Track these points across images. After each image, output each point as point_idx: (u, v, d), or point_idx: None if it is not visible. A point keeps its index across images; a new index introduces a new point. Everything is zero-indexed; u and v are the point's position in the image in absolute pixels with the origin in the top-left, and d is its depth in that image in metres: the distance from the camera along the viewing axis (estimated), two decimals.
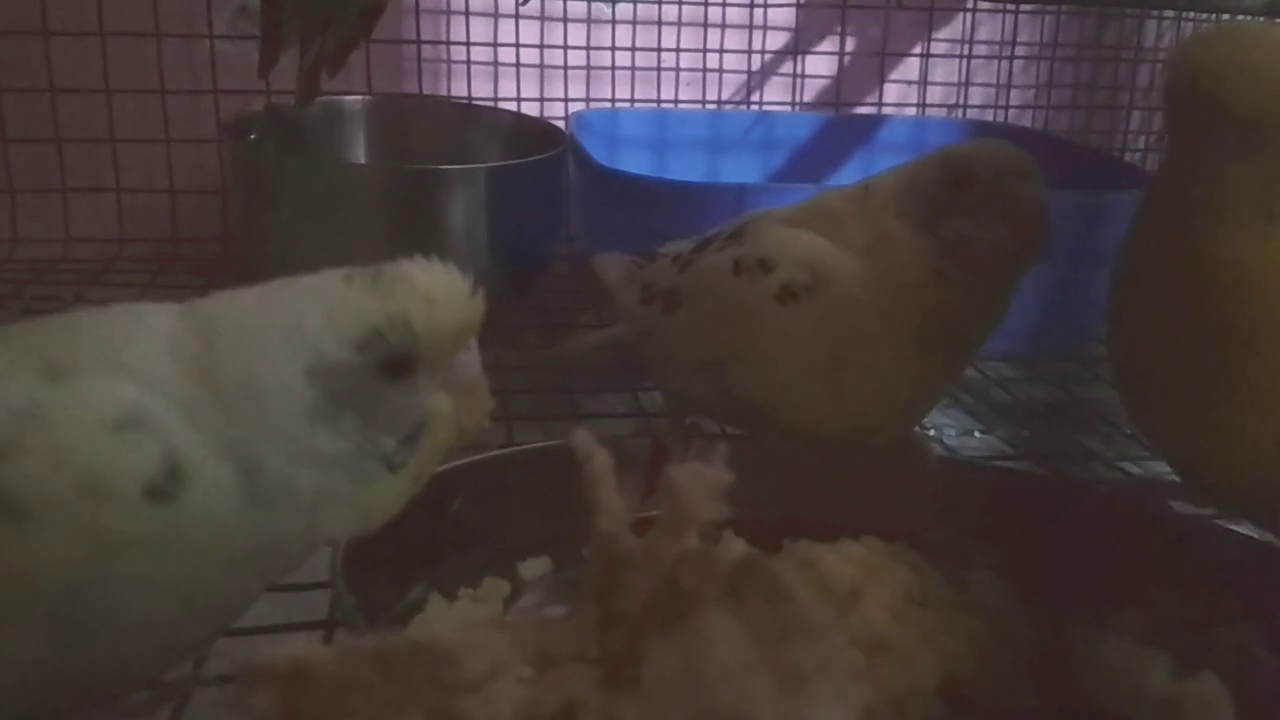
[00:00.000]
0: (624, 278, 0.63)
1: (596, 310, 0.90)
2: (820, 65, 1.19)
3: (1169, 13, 1.20)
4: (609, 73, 1.12)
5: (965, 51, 1.20)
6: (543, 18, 1.09)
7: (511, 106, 1.08)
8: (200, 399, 0.32)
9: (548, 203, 0.90)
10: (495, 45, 1.09)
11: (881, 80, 1.20)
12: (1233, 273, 0.44)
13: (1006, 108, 1.22)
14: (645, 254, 0.63)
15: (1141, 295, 0.49)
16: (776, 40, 1.17)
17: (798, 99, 1.18)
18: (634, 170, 0.94)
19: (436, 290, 0.35)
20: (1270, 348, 0.44)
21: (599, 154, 0.90)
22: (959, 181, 0.49)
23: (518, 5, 1.06)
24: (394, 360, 0.34)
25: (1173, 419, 0.49)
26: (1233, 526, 0.53)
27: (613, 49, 1.12)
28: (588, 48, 1.11)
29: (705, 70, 1.15)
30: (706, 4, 1.13)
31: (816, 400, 0.51)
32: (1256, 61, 0.42)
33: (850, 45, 1.18)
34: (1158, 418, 0.51)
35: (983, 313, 0.51)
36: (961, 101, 1.22)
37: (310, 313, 0.34)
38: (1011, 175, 0.48)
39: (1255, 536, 0.52)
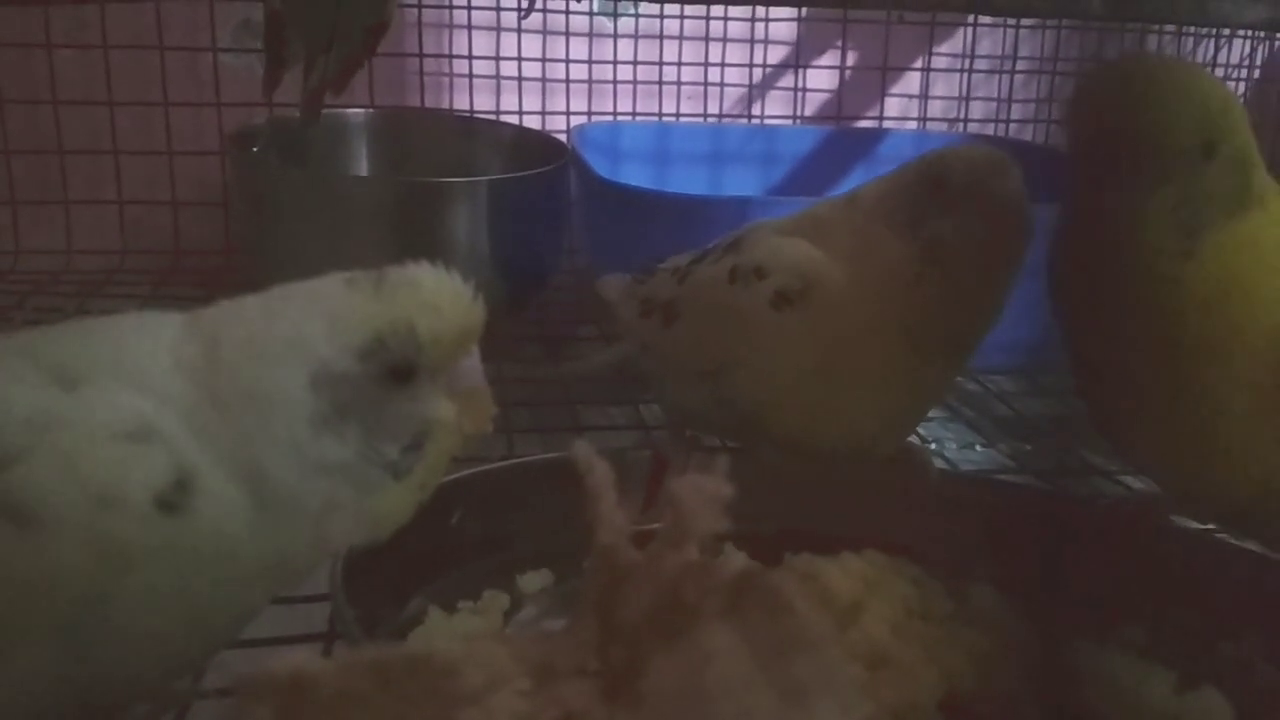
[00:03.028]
0: (624, 294, 0.63)
1: (599, 324, 0.90)
2: (821, 79, 1.19)
3: (1169, 28, 1.20)
4: (610, 86, 1.13)
5: (966, 66, 1.20)
6: (545, 31, 1.10)
7: (513, 120, 1.08)
8: (205, 409, 0.32)
9: (549, 216, 0.90)
10: (497, 59, 1.10)
11: (882, 94, 1.20)
12: (1168, 294, 0.44)
13: (1008, 122, 1.22)
14: (645, 269, 0.63)
15: (1085, 318, 0.49)
16: (777, 54, 1.17)
17: (799, 113, 1.19)
18: (635, 183, 0.94)
19: (439, 296, 0.35)
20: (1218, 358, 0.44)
21: (600, 167, 0.90)
22: (935, 182, 0.49)
23: (520, 19, 1.06)
24: (397, 367, 0.34)
25: (1135, 439, 0.49)
26: (1234, 541, 0.53)
27: (614, 63, 1.12)
28: (589, 61, 1.12)
29: (706, 84, 1.15)
30: (708, 18, 1.13)
31: (811, 406, 0.51)
32: (1176, 92, 0.43)
33: (851, 59, 1.19)
34: (1124, 439, 0.51)
35: (970, 315, 0.50)
36: (962, 116, 1.22)
37: (312, 320, 0.33)
38: (986, 172, 0.48)
39: (1257, 550, 0.52)
